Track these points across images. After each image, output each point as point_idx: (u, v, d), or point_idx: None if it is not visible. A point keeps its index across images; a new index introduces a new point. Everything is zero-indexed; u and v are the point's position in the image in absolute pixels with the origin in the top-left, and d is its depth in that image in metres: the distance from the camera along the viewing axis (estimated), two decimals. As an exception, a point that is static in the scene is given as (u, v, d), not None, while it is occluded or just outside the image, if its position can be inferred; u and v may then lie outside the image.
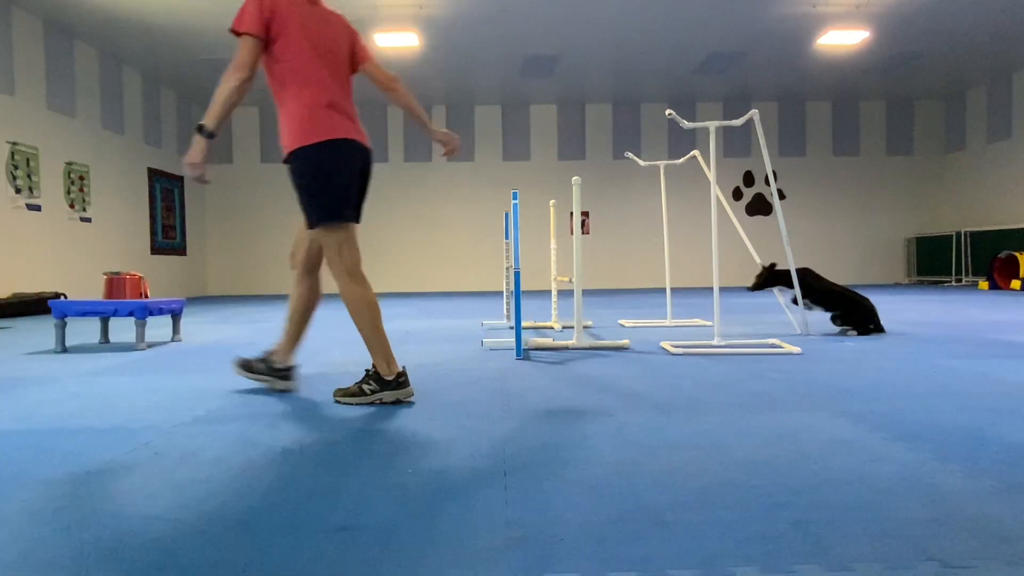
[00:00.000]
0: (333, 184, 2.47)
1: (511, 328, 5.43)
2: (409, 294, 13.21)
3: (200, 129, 2.40)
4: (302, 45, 2.50)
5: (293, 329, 2.75)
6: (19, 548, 1.28)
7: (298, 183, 2.51)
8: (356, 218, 2.59)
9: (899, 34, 10.51)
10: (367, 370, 2.61)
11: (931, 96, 14.40)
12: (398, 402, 2.56)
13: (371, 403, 2.54)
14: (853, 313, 4.67)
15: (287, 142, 2.50)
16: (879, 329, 4.69)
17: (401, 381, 2.55)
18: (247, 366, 2.83)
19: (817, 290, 4.73)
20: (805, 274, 4.77)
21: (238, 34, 2.46)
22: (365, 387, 2.56)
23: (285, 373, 2.81)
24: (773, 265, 4.91)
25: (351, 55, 2.71)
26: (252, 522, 1.39)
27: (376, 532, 1.33)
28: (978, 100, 13.67)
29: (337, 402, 2.58)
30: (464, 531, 1.32)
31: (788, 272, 4.78)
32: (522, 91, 13.46)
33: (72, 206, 9.74)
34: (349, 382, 3.02)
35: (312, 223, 2.52)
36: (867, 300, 4.72)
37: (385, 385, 2.54)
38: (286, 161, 2.52)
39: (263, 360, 2.82)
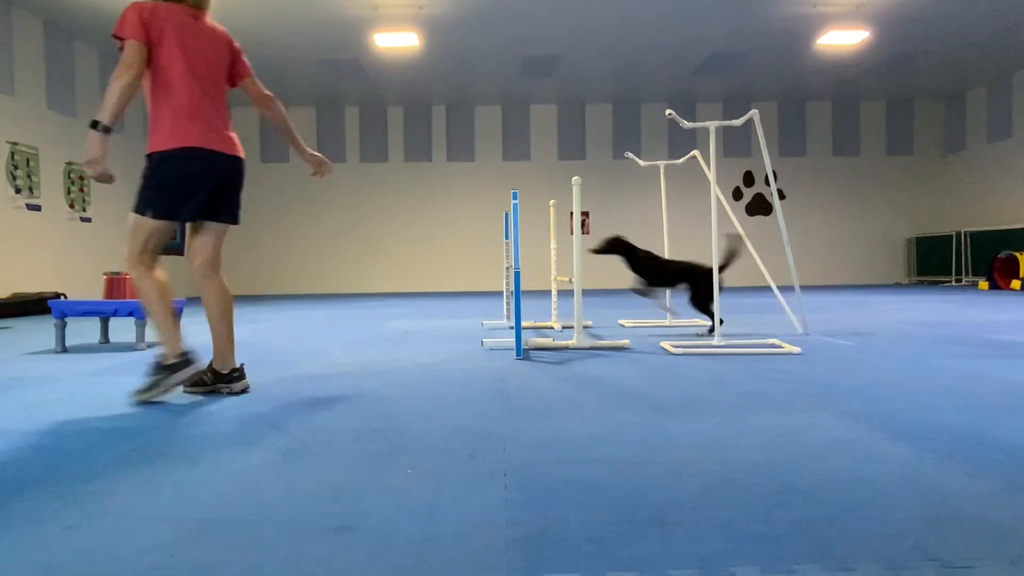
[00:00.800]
0: (171, 188, 2.66)
1: (511, 328, 5.43)
2: (409, 294, 13.21)
3: (95, 125, 2.52)
4: (174, 54, 2.64)
5: (223, 330, 2.83)
6: (19, 548, 1.28)
7: (144, 177, 2.68)
8: (186, 218, 2.75)
9: (899, 34, 10.51)
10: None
11: (931, 96, 14.40)
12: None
13: (168, 389, 2.67)
14: (698, 288, 4.69)
15: (150, 144, 2.68)
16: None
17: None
18: (198, 382, 2.85)
19: (652, 266, 4.79)
20: (647, 255, 4.85)
21: (120, 39, 2.59)
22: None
23: (233, 375, 2.83)
24: (618, 238, 4.89)
25: (230, 70, 2.87)
26: (252, 522, 1.39)
27: (376, 532, 1.33)
28: (978, 100, 13.67)
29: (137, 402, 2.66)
30: (464, 531, 1.32)
31: (632, 246, 4.83)
32: (522, 91, 13.46)
33: (72, 206, 9.74)
34: (349, 382, 3.02)
35: (136, 210, 2.68)
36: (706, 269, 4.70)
37: (175, 368, 2.69)
38: (146, 159, 2.70)
39: (208, 371, 2.84)
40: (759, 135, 4.66)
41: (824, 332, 4.78)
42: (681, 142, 14.43)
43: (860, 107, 14.70)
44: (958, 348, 3.85)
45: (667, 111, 4.42)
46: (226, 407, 2.54)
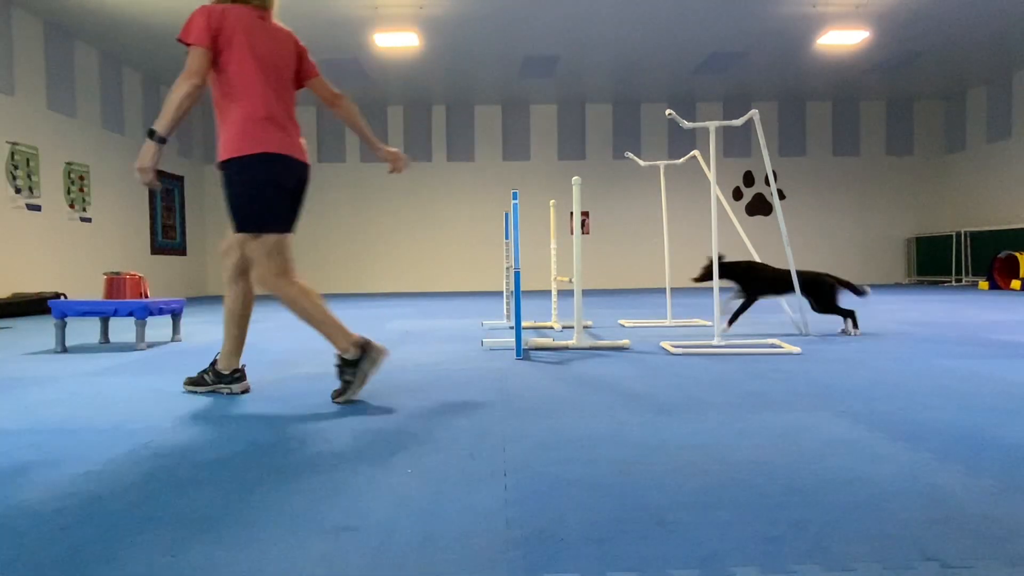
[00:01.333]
0: (260, 196, 2.56)
1: (511, 328, 5.43)
2: (409, 294, 13.21)
3: (151, 134, 2.46)
4: (245, 58, 2.56)
5: (236, 332, 2.79)
6: (19, 548, 1.28)
7: (228, 191, 2.59)
8: (284, 229, 2.63)
9: (899, 34, 10.51)
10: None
11: (931, 96, 14.40)
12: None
13: (361, 384, 2.60)
14: (815, 292, 4.68)
15: (223, 150, 2.58)
16: (858, 291, 4.71)
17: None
18: (196, 382, 2.84)
19: (764, 279, 4.72)
20: (750, 267, 4.77)
21: (187, 44, 2.52)
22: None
23: (235, 376, 2.82)
24: (721, 257, 4.82)
25: (298, 71, 2.78)
26: (252, 522, 1.39)
27: (376, 532, 1.33)
28: (978, 100, 13.67)
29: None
30: (464, 531, 1.32)
31: (734, 264, 4.76)
32: (522, 91, 13.46)
33: (72, 206, 9.74)
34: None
35: (238, 229, 2.60)
36: (823, 275, 4.72)
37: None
38: (219, 167, 2.60)
39: (209, 371, 2.83)
40: (759, 135, 4.66)
41: (824, 332, 4.78)
42: (681, 142, 14.43)
43: (860, 107, 14.70)
44: (958, 348, 3.85)
45: (667, 111, 4.42)
46: (226, 407, 2.54)
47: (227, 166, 2.57)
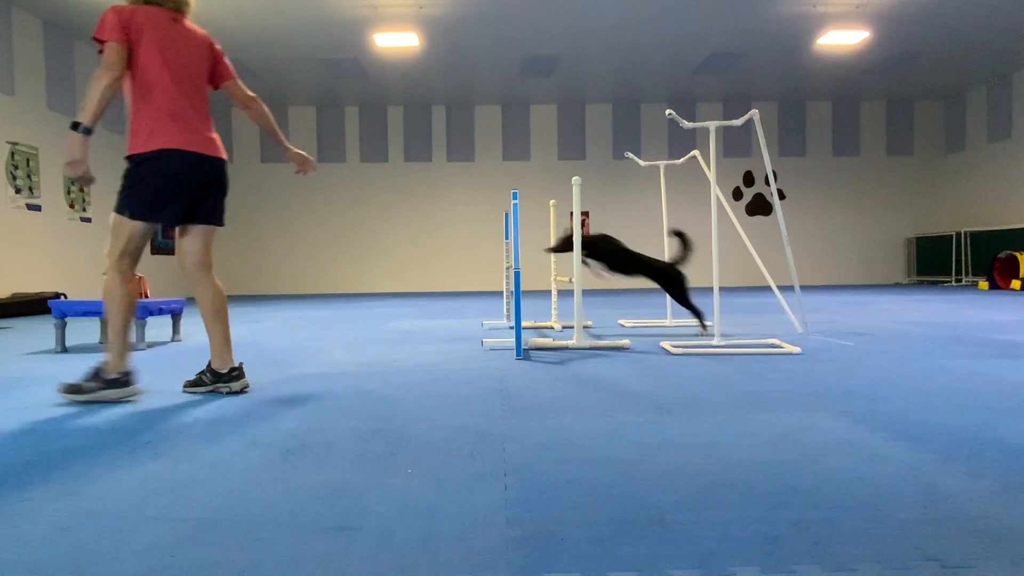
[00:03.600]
0: (148, 186, 2.66)
1: (511, 328, 5.44)
2: (409, 294, 13.21)
3: (75, 126, 2.55)
4: (152, 56, 2.66)
5: (218, 330, 2.82)
6: (19, 548, 1.28)
7: (124, 178, 2.71)
8: (166, 221, 2.71)
9: (899, 34, 10.52)
10: (96, 368, 2.71)
11: (931, 96, 14.40)
12: (119, 400, 2.68)
13: (96, 400, 2.64)
14: (668, 282, 4.80)
15: (129, 145, 2.71)
16: (694, 312, 4.80)
17: (124, 380, 2.69)
18: (195, 383, 2.84)
19: (608, 251, 4.79)
20: (604, 238, 4.84)
21: (102, 42, 2.61)
22: (87, 384, 2.67)
23: (232, 375, 2.82)
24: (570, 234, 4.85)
25: (211, 73, 2.89)
26: (252, 522, 1.39)
27: (376, 532, 1.33)
28: (978, 100, 13.67)
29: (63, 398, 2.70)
30: (464, 531, 1.32)
31: (589, 239, 4.79)
32: (522, 91, 13.46)
33: (72, 206, 9.74)
34: (349, 382, 3.03)
35: (115, 208, 2.69)
36: (672, 269, 4.85)
37: (112, 384, 2.67)
38: (126, 159, 2.73)
39: (207, 371, 2.83)
40: (759, 135, 4.66)
41: (824, 332, 4.78)
42: (681, 142, 14.43)
43: (860, 107, 14.70)
44: (958, 348, 3.85)
45: (667, 111, 4.42)
46: (226, 407, 2.54)
47: (130, 160, 2.70)
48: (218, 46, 2.93)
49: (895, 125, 14.79)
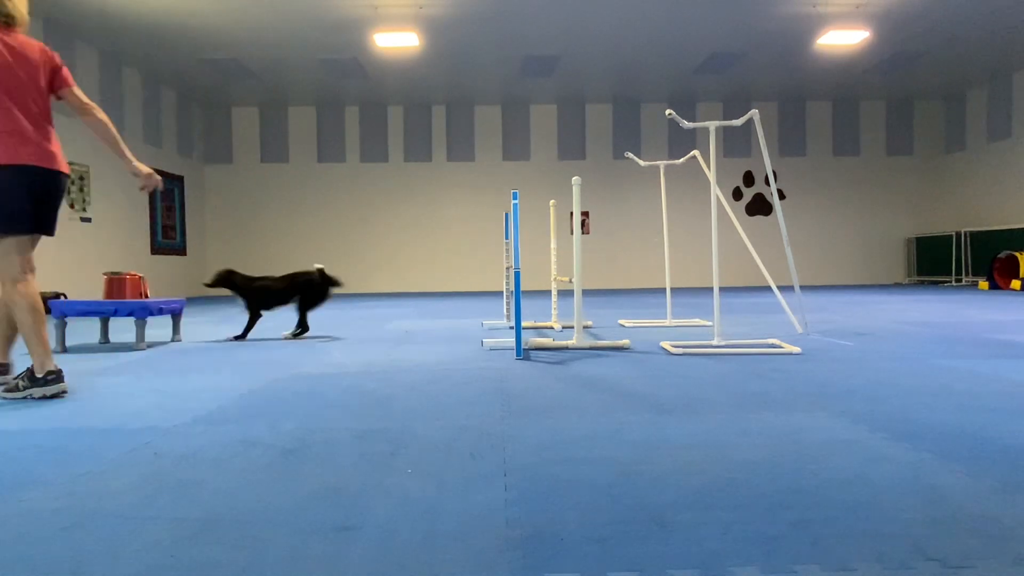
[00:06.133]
0: (13, 201, 2.73)
1: (511, 328, 5.44)
2: (409, 294, 13.21)
3: None
4: None
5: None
6: (19, 548, 1.28)
7: None
8: (25, 231, 2.77)
9: (899, 34, 10.51)
10: (28, 367, 2.83)
11: (931, 96, 14.41)
12: (50, 397, 2.76)
13: (24, 398, 2.75)
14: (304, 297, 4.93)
15: None
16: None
17: (50, 379, 2.78)
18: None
19: (253, 289, 4.89)
20: (230, 275, 4.88)
21: None
22: (20, 383, 2.79)
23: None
24: (231, 272, 4.96)
25: (49, 82, 2.91)
26: (252, 522, 1.39)
27: (376, 532, 1.33)
28: (978, 100, 13.67)
29: (1, 397, 2.79)
30: (464, 531, 1.32)
31: (239, 277, 4.91)
32: (522, 91, 13.46)
33: (72, 206, 9.74)
34: (349, 382, 3.03)
35: None
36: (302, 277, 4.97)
37: (35, 382, 2.77)
38: None
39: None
40: (759, 135, 4.66)
41: (824, 332, 4.78)
42: (681, 142, 14.43)
43: (860, 107, 14.70)
44: (958, 348, 3.85)
45: (667, 111, 4.42)
46: (226, 407, 2.54)
47: None
48: (56, 57, 2.95)
49: (895, 125, 14.79)
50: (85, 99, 2.99)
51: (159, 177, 3.24)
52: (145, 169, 3.16)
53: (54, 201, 2.90)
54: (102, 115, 3.01)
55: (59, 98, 2.96)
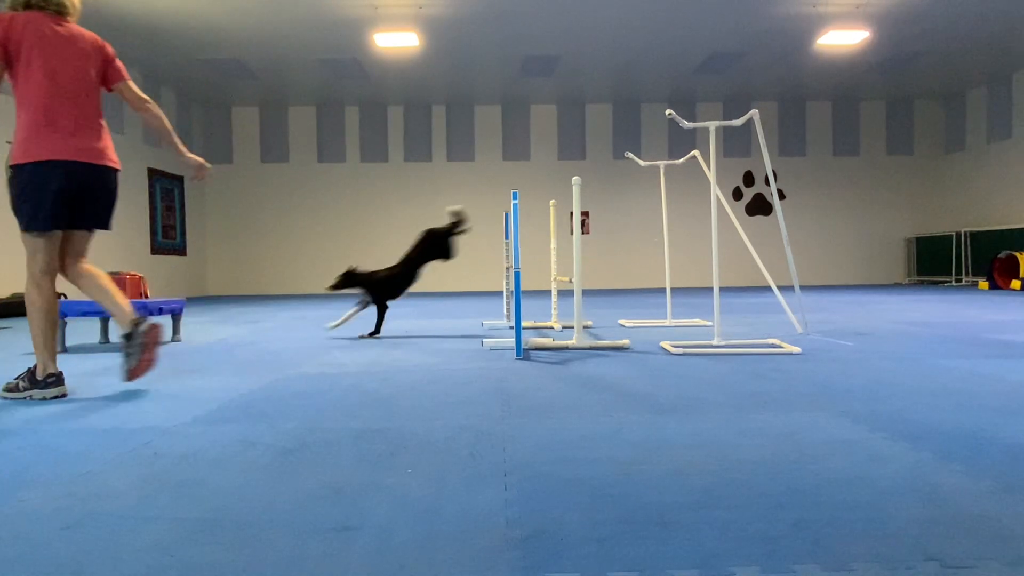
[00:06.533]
0: (30, 199, 2.69)
1: (511, 328, 5.44)
2: (409, 294, 13.20)
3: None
4: (33, 65, 2.64)
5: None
6: (19, 548, 1.28)
7: (11, 193, 2.74)
8: (46, 228, 2.74)
9: (899, 34, 10.51)
10: (28, 368, 2.82)
11: (931, 96, 14.41)
12: (49, 399, 2.74)
13: (24, 398, 2.74)
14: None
15: (11, 155, 2.72)
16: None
17: (51, 382, 2.75)
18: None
19: (375, 282, 5.08)
20: (352, 275, 5.13)
21: None
22: (20, 383, 2.77)
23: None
24: (352, 271, 5.20)
25: (101, 75, 2.87)
26: (252, 522, 1.39)
27: (376, 532, 1.33)
28: (978, 100, 13.67)
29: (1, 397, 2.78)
30: (464, 531, 1.32)
31: (363, 275, 5.12)
32: (522, 91, 13.46)
33: (72, 206, 9.72)
34: (349, 382, 3.03)
35: (21, 227, 2.77)
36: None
37: (35, 384, 2.75)
38: (8, 168, 2.74)
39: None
40: (759, 135, 4.66)
41: (824, 332, 4.78)
42: (681, 142, 14.43)
43: (860, 107, 14.70)
44: (958, 348, 3.85)
45: (667, 111, 4.42)
46: (226, 407, 2.54)
47: (12, 169, 2.72)
48: (109, 48, 2.90)
49: (895, 125, 14.79)
50: (140, 93, 2.95)
51: (210, 167, 3.21)
52: (196, 159, 3.14)
53: (98, 195, 2.83)
54: (157, 109, 2.99)
55: (112, 91, 2.91)
